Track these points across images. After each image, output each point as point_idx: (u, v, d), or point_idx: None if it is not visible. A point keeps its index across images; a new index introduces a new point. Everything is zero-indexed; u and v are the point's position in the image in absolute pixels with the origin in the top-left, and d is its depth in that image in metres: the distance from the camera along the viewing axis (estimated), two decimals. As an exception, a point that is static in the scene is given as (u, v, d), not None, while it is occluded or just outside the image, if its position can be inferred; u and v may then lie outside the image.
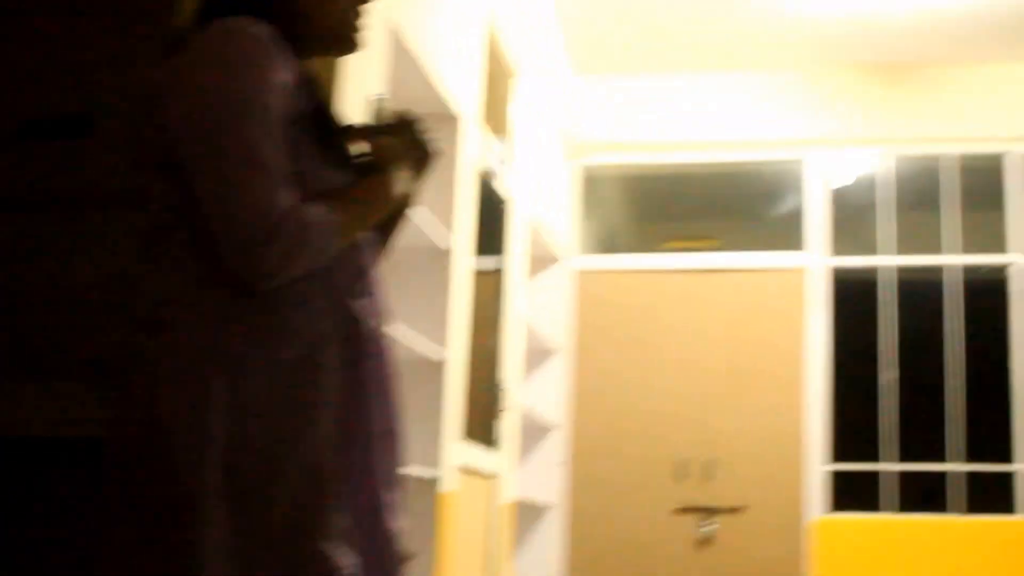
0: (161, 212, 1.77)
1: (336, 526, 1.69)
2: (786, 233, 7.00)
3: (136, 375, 1.70)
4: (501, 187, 5.33)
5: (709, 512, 6.57)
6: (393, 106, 2.05)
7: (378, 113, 2.04)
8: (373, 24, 2.09)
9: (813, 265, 6.78)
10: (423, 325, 4.37)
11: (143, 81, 1.83)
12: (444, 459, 4.38)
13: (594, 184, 7.40)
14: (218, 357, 1.67)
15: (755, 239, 7.26)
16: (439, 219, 4.38)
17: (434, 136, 2.01)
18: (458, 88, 4.53)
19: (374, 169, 1.89)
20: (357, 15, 1.95)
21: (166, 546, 1.62)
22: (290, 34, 1.82)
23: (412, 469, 4.15)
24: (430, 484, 4.31)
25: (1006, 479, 6.45)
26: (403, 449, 1.90)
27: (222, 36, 1.73)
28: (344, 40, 1.95)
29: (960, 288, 6.69)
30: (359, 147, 1.96)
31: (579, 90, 7.02)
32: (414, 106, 4.37)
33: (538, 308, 6.62)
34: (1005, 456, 6.45)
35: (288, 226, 1.64)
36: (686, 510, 6.60)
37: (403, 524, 1.87)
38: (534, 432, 6.64)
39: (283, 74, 1.73)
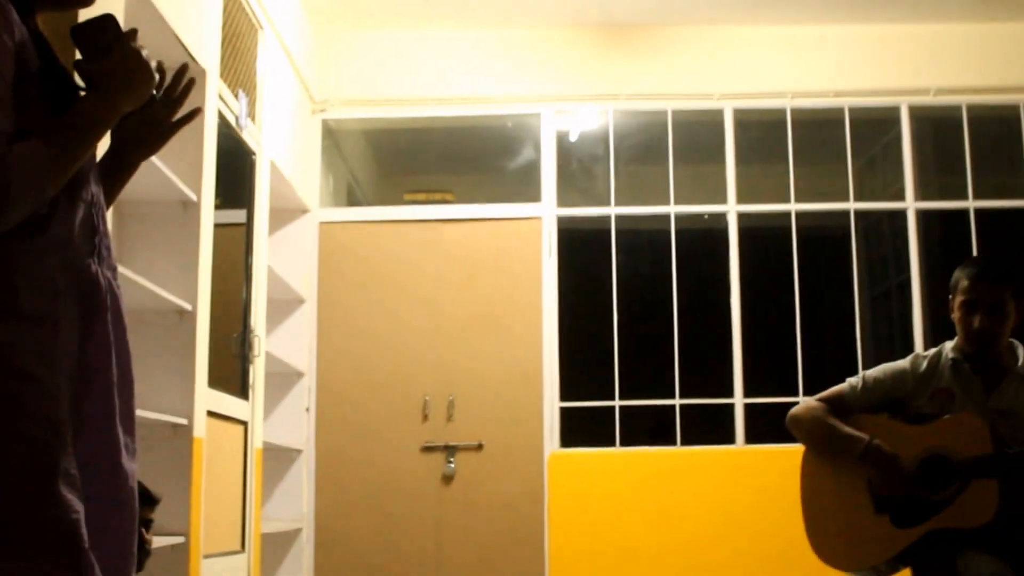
0: None
1: (67, 471, 1.68)
2: (523, 185, 7.22)
3: None
4: (246, 141, 5.35)
5: (453, 450, 6.77)
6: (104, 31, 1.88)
7: (86, 37, 1.88)
8: None
9: (546, 215, 7.01)
10: (171, 277, 4.42)
11: None
12: (195, 406, 4.45)
13: (337, 138, 7.47)
14: None
15: (492, 191, 7.44)
16: (184, 173, 4.42)
17: (151, 55, 1.93)
18: (200, 42, 4.54)
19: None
20: None
21: None
22: None
23: (164, 416, 4.26)
24: (181, 430, 4.38)
25: (724, 411, 6.86)
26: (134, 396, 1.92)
27: None
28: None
29: (680, 235, 6.99)
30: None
31: (321, 46, 7.04)
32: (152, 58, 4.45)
33: (284, 259, 6.64)
34: (724, 391, 6.87)
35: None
36: (431, 448, 6.78)
37: (138, 465, 1.88)
38: (282, 379, 6.70)
39: (6, 31, 1.68)
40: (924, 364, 3.37)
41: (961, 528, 3.05)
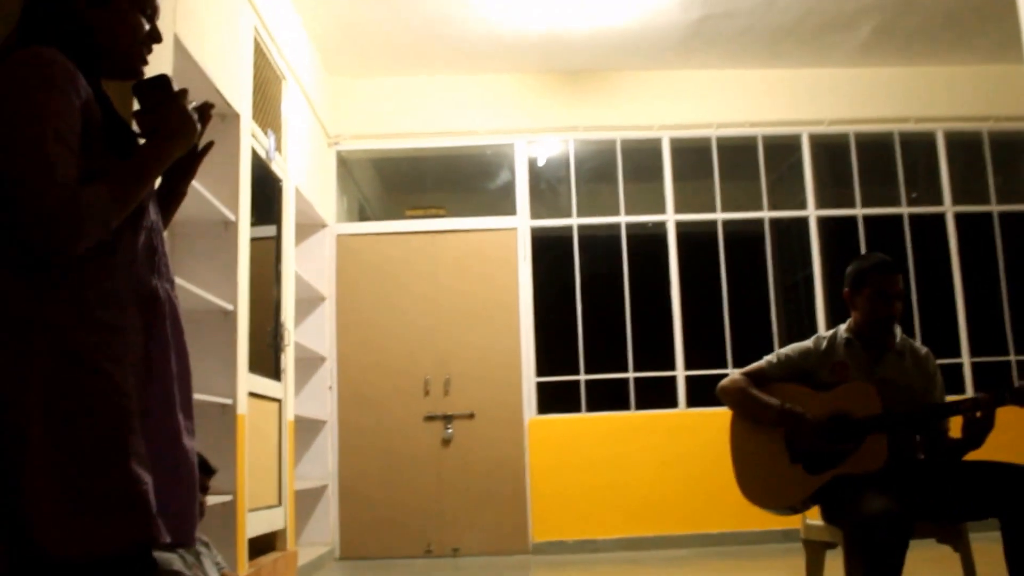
0: None
1: (137, 450, 1.68)
2: (501, 201, 7.22)
3: None
4: (274, 170, 5.35)
5: (451, 418, 6.77)
6: (158, 85, 1.88)
7: (145, 93, 1.89)
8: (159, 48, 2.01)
9: (521, 226, 7.03)
10: (216, 283, 4.41)
11: None
12: (238, 388, 4.44)
13: (349, 166, 7.45)
14: (40, 319, 1.63)
15: (477, 206, 7.41)
16: (226, 198, 4.42)
17: (207, 102, 1.95)
18: (235, 92, 4.54)
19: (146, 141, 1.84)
20: (146, 51, 1.92)
21: None
22: (88, 61, 1.80)
23: (213, 397, 4.25)
24: (228, 409, 4.38)
25: (669, 382, 6.90)
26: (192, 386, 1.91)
27: (23, 61, 1.68)
28: (132, 71, 1.91)
29: (630, 240, 7.03)
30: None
31: (335, 90, 7.02)
32: (197, 104, 4.43)
33: (307, 265, 6.67)
34: (668, 365, 6.92)
35: (70, 208, 1.60)
36: (432, 418, 6.77)
37: (196, 443, 1.86)
38: (308, 363, 6.71)
39: (74, 93, 1.69)
40: (824, 343, 3.37)
41: (860, 473, 3.06)
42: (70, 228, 1.61)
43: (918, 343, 3.45)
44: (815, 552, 3.36)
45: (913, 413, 3.20)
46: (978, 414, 3.07)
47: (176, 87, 1.90)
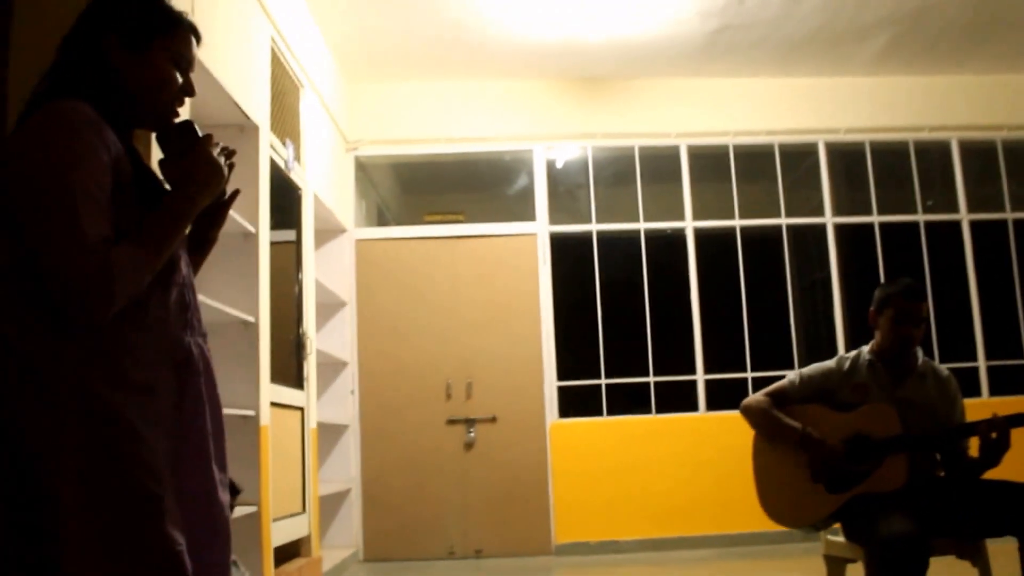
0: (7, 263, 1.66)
1: (171, 511, 1.66)
2: (519, 207, 7.21)
3: (2, 397, 1.62)
4: (294, 178, 5.34)
5: (472, 422, 6.76)
6: (182, 130, 1.85)
7: (169, 140, 1.85)
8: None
9: (540, 231, 7.02)
10: (237, 295, 4.41)
11: None
12: (260, 400, 4.44)
13: (368, 171, 7.44)
14: (72, 381, 1.61)
15: (495, 211, 7.40)
16: (246, 210, 4.42)
17: (225, 147, 1.89)
18: (253, 104, 4.54)
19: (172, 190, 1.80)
20: (178, 104, 1.88)
21: (30, 532, 1.58)
22: (118, 109, 1.78)
23: (236, 410, 4.25)
24: (250, 420, 4.38)
25: (689, 386, 6.88)
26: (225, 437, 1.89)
27: (50, 117, 1.65)
28: (162, 122, 1.86)
29: (649, 245, 7.01)
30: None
31: (352, 97, 7.02)
32: (219, 121, 4.45)
33: (327, 271, 6.66)
34: (688, 369, 6.89)
35: (100, 275, 1.58)
36: (454, 422, 6.77)
37: (229, 498, 1.85)
38: (330, 368, 6.72)
39: (103, 149, 1.66)
40: (847, 363, 3.39)
41: (879, 493, 3.07)
42: (101, 296, 1.59)
43: (940, 366, 3.46)
44: (836, 568, 3.37)
45: (931, 435, 3.20)
46: (993, 435, 3.07)
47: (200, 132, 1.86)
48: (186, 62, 1.87)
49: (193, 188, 1.78)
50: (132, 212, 1.70)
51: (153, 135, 1.89)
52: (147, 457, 1.65)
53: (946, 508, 3.07)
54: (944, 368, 3.44)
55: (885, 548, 2.78)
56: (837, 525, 3.28)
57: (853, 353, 3.43)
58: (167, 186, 1.83)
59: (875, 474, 3.11)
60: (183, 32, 1.86)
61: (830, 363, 3.43)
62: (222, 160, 1.84)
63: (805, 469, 3.26)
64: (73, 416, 1.60)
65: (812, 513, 3.22)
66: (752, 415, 3.40)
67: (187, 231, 1.88)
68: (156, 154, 1.88)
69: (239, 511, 4.00)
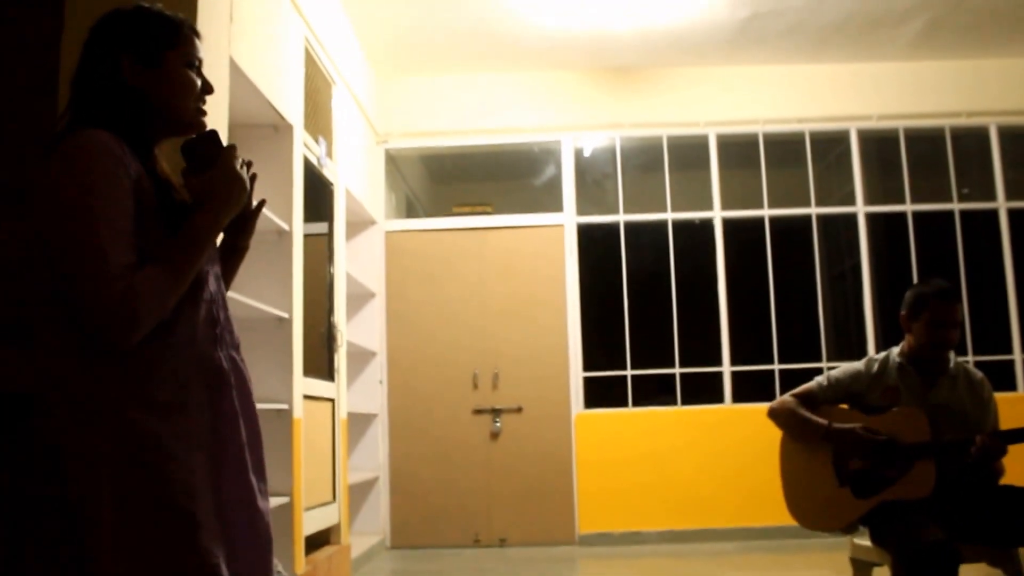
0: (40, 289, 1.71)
1: (207, 524, 1.68)
2: (548, 198, 7.20)
3: (41, 419, 1.66)
4: (326, 174, 5.38)
5: (499, 412, 6.81)
6: (207, 144, 1.85)
7: (193, 152, 1.85)
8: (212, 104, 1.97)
9: (568, 222, 7.02)
10: (271, 292, 4.46)
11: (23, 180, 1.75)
12: (294, 393, 4.50)
13: (398, 163, 7.47)
14: (104, 403, 1.64)
15: (523, 202, 7.40)
16: (280, 208, 4.46)
17: (247, 160, 1.88)
18: (287, 103, 4.57)
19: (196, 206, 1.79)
20: (202, 105, 1.89)
21: (69, 553, 1.62)
22: (143, 126, 1.79)
23: (270, 404, 4.32)
24: (284, 414, 4.44)
25: (715, 377, 6.88)
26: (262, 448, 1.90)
27: (72, 147, 1.67)
28: (192, 125, 1.87)
29: (676, 235, 7.00)
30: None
31: (383, 91, 7.04)
32: (253, 121, 4.49)
33: (358, 262, 6.72)
34: (714, 361, 6.89)
35: (125, 301, 1.60)
36: (481, 411, 6.83)
37: (268, 504, 1.85)
38: (360, 359, 6.78)
39: (125, 175, 1.68)
40: (876, 366, 3.36)
41: (907, 499, 3.06)
42: (126, 321, 1.62)
43: (973, 368, 3.42)
44: (863, 571, 3.37)
45: (961, 441, 3.16)
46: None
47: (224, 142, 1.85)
48: (198, 62, 1.89)
49: (216, 203, 1.79)
50: (156, 235, 1.73)
51: (180, 148, 1.88)
52: (180, 475, 1.68)
53: (976, 515, 3.05)
54: (978, 371, 3.39)
55: (915, 559, 2.77)
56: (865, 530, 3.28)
57: (882, 355, 3.40)
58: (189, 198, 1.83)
59: (903, 480, 3.10)
60: (188, 35, 1.87)
61: (858, 365, 3.41)
62: (244, 172, 1.85)
63: (832, 473, 3.25)
64: (107, 438, 1.64)
65: (838, 518, 3.21)
66: (779, 415, 3.40)
67: (217, 245, 1.89)
68: (179, 163, 1.87)
69: (272, 501, 4.05)
